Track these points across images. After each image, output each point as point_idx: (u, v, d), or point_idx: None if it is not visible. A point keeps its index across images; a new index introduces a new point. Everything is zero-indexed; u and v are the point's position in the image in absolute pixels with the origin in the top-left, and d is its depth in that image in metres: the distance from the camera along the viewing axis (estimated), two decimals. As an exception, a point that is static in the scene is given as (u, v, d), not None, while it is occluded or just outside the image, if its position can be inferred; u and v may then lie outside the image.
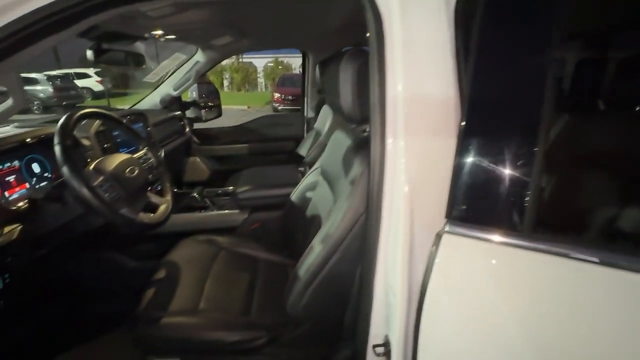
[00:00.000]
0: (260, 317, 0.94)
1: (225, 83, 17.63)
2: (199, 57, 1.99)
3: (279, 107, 10.87)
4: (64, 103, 10.60)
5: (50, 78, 10.83)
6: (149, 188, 1.17)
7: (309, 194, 1.28)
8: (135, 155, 1.12)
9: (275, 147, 2.49)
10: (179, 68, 2.07)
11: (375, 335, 0.68)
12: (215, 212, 1.50)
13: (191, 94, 2.36)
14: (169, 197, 1.21)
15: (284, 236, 1.34)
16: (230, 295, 1.00)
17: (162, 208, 1.12)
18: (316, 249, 0.80)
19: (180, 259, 1.15)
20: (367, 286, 0.67)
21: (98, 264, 1.38)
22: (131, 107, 2.03)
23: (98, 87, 13.09)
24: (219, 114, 2.55)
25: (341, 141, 1.02)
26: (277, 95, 10.84)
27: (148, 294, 0.98)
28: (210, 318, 0.92)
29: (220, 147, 2.44)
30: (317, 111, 2.32)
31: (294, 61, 18.97)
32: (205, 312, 0.94)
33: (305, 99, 2.45)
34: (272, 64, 17.80)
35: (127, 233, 1.29)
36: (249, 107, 13.07)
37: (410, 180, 0.58)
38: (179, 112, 2.16)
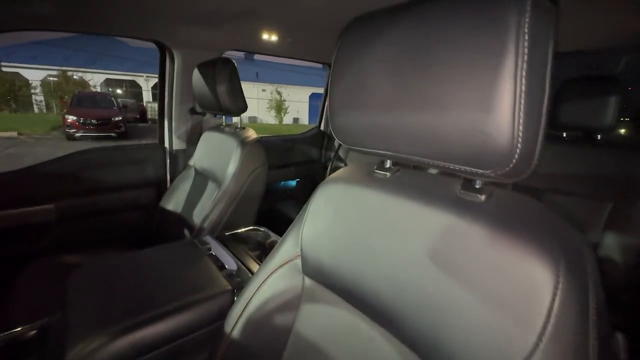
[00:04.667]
0: None
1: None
2: None
3: (77, 134, 8.46)
4: None
5: None
6: None
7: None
8: None
9: (119, 200, 1.47)
10: None
11: None
12: None
13: None
14: None
15: None
16: None
17: None
18: None
19: None
20: None
21: None
22: None
23: None
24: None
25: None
26: (71, 118, 8.60)
27: None
28: None
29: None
30: (193, 139, 1.54)
31: (92, 77, 14.97)
32: None
33: (166, 122, 1.59)
34: (56, 79, 13.28)
35: None
36: (20, 135, 9.18)
37: None
38: None
